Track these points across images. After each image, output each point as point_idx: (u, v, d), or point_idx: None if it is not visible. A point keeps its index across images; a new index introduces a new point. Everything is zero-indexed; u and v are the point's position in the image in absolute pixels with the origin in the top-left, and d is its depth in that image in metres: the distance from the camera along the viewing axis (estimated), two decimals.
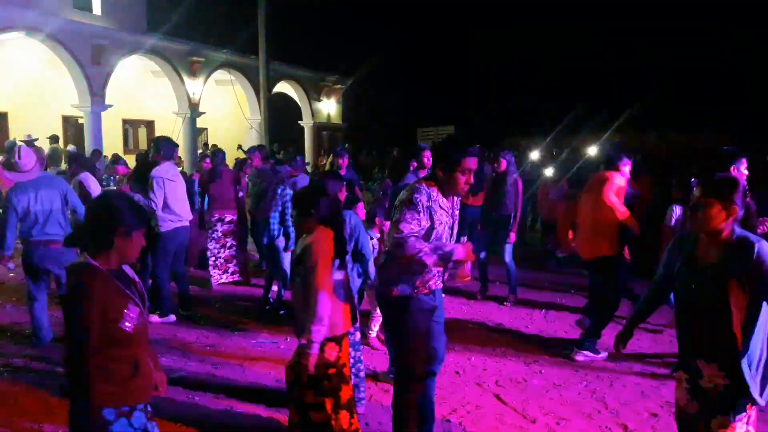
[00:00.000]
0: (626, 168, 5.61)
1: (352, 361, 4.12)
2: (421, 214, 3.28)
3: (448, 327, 3.92)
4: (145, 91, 19.35)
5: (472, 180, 3.35)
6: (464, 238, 3.57)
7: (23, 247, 5.59)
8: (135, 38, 16.60)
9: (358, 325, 4.49)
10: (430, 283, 3.44)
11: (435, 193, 3.35)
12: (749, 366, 2.68)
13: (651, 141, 21.47)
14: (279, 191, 6.46)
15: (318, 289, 3.29)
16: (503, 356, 5.50)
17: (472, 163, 3.32)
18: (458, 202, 3.60)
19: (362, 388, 4.33)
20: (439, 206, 3.36)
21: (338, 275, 3.54)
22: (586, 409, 4.45)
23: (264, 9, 16.88)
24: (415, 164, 6.88)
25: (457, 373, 5.06)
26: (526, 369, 5.21)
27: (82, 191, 6.57)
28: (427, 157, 6.71)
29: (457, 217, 3.57)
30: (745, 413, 2.72)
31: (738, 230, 2.78)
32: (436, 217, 3.34)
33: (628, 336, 3.18)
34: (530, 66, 29.46)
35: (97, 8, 16.58)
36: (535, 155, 14.37)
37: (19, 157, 5.48)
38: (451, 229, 3.49)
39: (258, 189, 7.82)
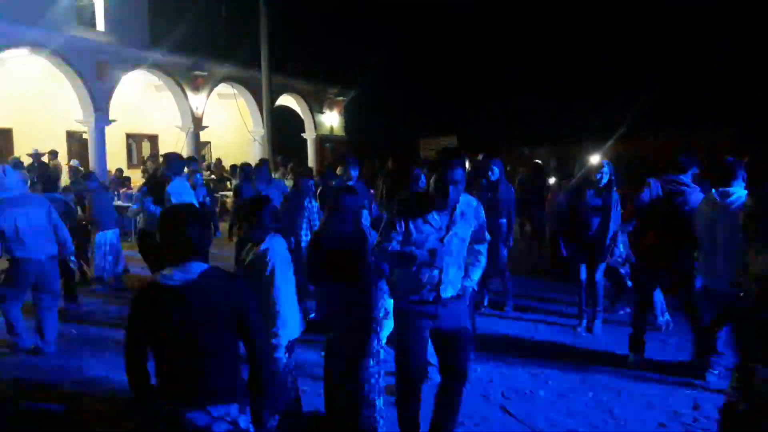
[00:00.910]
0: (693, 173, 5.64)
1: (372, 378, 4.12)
2: (398, 222, 3.50)
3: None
4: (148, 105, 19.46)
5: (450, 191, 3.38)
6: (435, 246, 3.51)
7: (13, 263, 5.71)
8: (138, 53, 16.70)
9: (383, 342, 4.44)
10: (423, 292, 3.54)
11: (421, 205, 3.50)
12: None
13: (651, 143, 21.52)
14: (306, 204, 6.74)
15: (280, 294, 3.44)
16: (509, 368, 5.48)
17: (452, 174, 3.39)
18: (460, 219, 3.56)
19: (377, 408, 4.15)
20: (423, 218, 3.47)
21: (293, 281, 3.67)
22: (593, 420, 4.43)
23: (265, 23, 17.00)
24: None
25: None
26: (532, 380, 5.19)
27: (68, 208, 6.75)
28: None
29: (459, 234, 3.55)
30: None
31: None
32: (415, 227, 3.47)
33: None
34: (531, 78, 29.55)
35: (100, 24, 16.71)
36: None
37: (5, 174, 5.68)
38: (441, 242, 3.48)
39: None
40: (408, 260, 3.43)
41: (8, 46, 13.53)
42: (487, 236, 3.85)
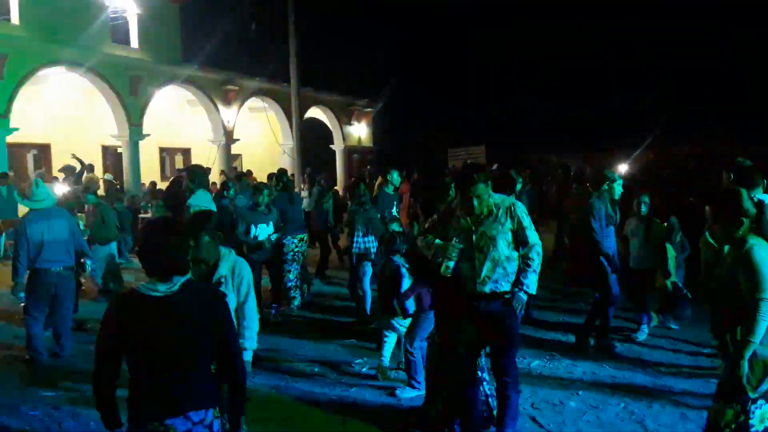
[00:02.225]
0: None
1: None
2: (438, 222, 4.12)
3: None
4: (181, 119, 19.84)
5: (472, 204, 3.80)
6: None
7: (33, 273, 5.99)
8: (171, 69, 17.08)
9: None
10: (465, 284, 3.92)
11: (455, 209, 3.98)
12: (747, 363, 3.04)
13: (680, 153, 21.24)
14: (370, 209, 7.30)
15: (254, 309, 3.61)
16: (539, 378, 5.44)
17: (474, 190, 3.78)
18: (490, 220, 3.86)
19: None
20: (456, 218, 3.94)
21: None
22: None
23: (294, 37, 17.24)
24: None
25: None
26: (562, 390, 5.14)
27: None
28: None
29: (488, 233, 3.83)
30: (737, 401, 3.04)
31: (751, 235, 3.06)
32: (450, 226, 3.95)
33: None
34: (560, 85, 29.33)
35: (134, 41, 17.13)
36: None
37: (37, 186, 6.05)
38: (471, 239, 3.84)
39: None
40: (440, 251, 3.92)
41: (47, 65, 13.97)
42: (532, 239, 3.91)
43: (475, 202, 3.80)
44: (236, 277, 3.52)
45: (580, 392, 5.09)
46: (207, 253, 3.42)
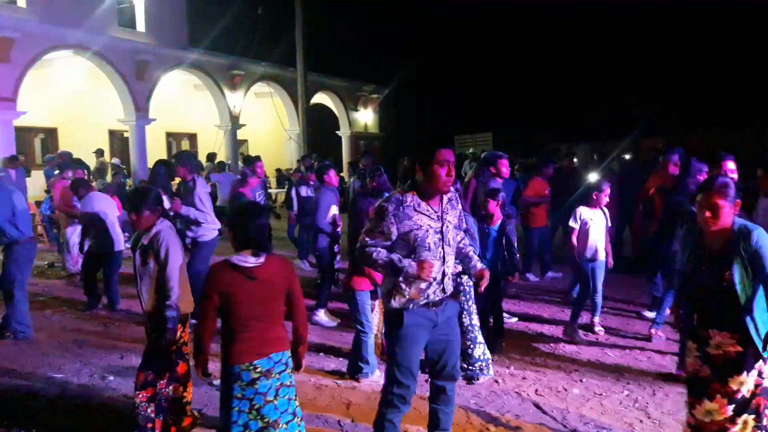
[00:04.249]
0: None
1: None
2: (385, 221, 3.27)
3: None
4: (187, 104, 19.83)
5: (453, 172, 3.30)
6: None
7: (23, 244, 6.09)
8: (177, 53, 17.05)
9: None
10: (428, 292, 3.34)
11: (410, 198, 3.31)
12: (757, 330, 3.23)
13: (693, 142, 21.16)
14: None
15: (173, 273, 3.82)
16: (543, 365, 5.45)
17: (447, 154, 3.27)
18: (449, 207, 3.45)
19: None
20: (416, 210, 3.30)
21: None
22: (628, 419, 4.38)
23: (301, 22, 17.18)
24: (493, 170, 6.64)
25: (497, 381, 5.04)
26: (566, 377, 5.15)
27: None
28: (505, 166, 6.71)
29: (452, 222, 3.46)
30: (755, 369, 3.28)
31: (738, 220, 3.28)
32: (411, 222, 3.27)
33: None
34: (565, 73, 29.17)
35: (140, 25, 17.10)
36: (576, 161, 14.28)
37: None
38: (441, 233, 3.36)
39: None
40: (398, 272, 3.26)
41: (53, 48, 13.96)
42: (466, 223, 3.93)
43: (444, 170, 3.26)
44: (157, 243, 3.83)
45: (584, 379, 5.10)
46: (146, 222, 3.91)
